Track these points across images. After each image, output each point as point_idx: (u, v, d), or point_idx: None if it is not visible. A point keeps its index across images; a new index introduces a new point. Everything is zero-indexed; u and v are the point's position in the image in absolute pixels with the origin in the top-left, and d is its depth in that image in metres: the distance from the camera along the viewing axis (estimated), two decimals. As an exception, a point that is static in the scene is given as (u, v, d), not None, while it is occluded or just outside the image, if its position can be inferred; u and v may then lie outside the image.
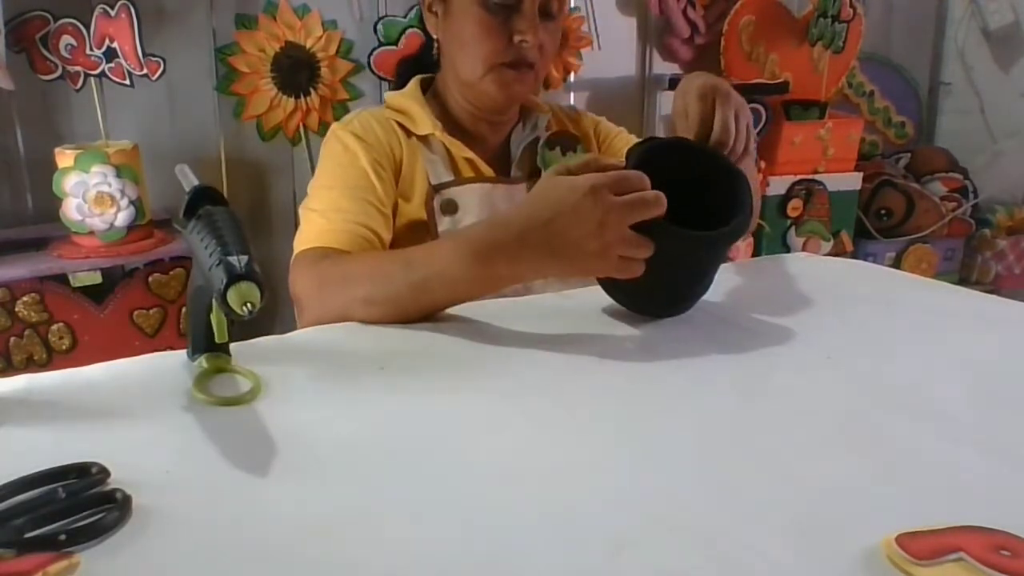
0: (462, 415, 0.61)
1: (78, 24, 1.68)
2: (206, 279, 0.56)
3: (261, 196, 2.08)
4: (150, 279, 1.69)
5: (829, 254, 2.38)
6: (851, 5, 2.32)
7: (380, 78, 2.03)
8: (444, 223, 1.02)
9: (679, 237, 0.74)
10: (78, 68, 1.70)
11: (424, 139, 1.05)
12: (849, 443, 0.57)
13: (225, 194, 0.61)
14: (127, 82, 1.73)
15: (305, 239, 0.95)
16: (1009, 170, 2.78)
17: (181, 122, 1.95)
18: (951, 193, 2.59)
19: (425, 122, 1.05)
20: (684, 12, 2.35)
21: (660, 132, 2.39)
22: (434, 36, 1.08)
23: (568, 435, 0.59)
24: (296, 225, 0.99)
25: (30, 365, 1.62)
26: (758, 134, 2.31)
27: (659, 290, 0.80)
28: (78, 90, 1.73)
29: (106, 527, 0.45)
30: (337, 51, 2.00)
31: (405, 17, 2.04)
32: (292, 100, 1.98)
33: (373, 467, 0.54)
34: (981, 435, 0.58)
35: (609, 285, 0.82)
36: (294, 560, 0.44)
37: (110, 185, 1.65)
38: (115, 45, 1.69)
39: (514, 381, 0.67)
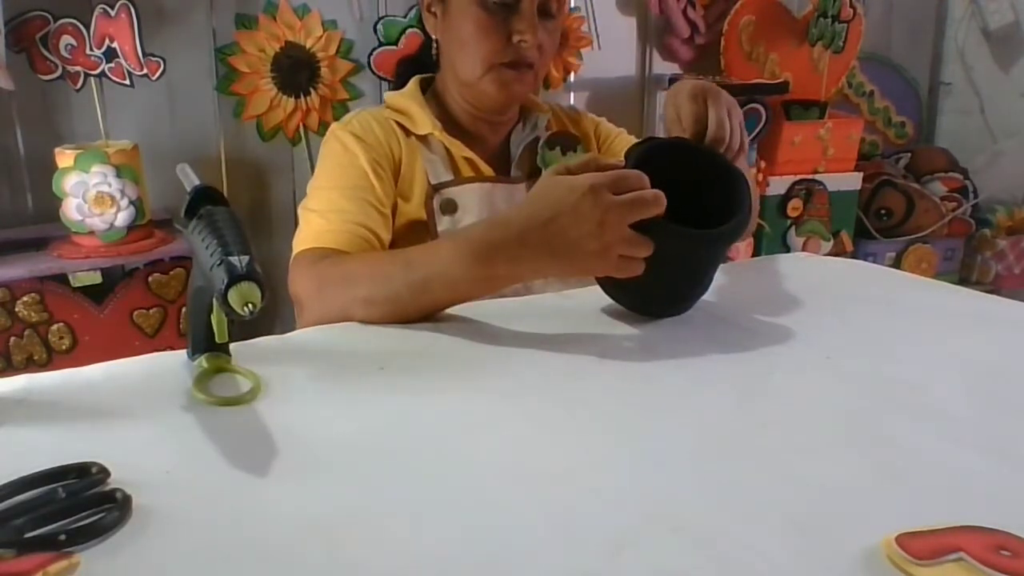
0: (462, 415, 0.61)
1: (78, 24, 1.68)
2: (207, 279, 0.56)
3: (261, 196, 2.08)
4: (150, 279, 1.69)
5: (829, 254, 2.38)
6: (851, 5, 2.32)
7: (380, 78, 2.03)
8: (444, 223, 1.02)
9: (679, 236, 0.74)
10: (78, 68, 1.70)
11: (423, 139, 1.05)
12: (849, 443, 0.57)
13: (225, 194, 0.61)
14: (127, 82, 1.73)
15: (304, 239, 0.95)
16: (1009, 170, 2.78)
17: (181, 122, 1.95)
18: (951, 193, 2.59)
19: (424, 122, 1.05)
20: (684, 12, 2.36)
21: (660, 132, 2.37)
22: (433, 36, 1.08)
23: (568, 435, 0.59)
24: (296, 225, 0.99)
25: (30, 365, 1.62)
26: (758, 134, 2.32)
27: (659, 290, 0.80)
28: (78, 90, 1.73)
29: (106, 527, 0.45)
30: (337, 51, 2.01)
31: (405, 17, 2.04)
32: (292, 100, 1.99)
33: (373, 467, 0.53)
34: (981, 435, 0.58)
35: (609, 285, 0.82)
36: (294, 560, 0.44)
37: (110, 185, 1.65)
38: (115, 45, 1.69)
39: (514, 381, 0.67)
